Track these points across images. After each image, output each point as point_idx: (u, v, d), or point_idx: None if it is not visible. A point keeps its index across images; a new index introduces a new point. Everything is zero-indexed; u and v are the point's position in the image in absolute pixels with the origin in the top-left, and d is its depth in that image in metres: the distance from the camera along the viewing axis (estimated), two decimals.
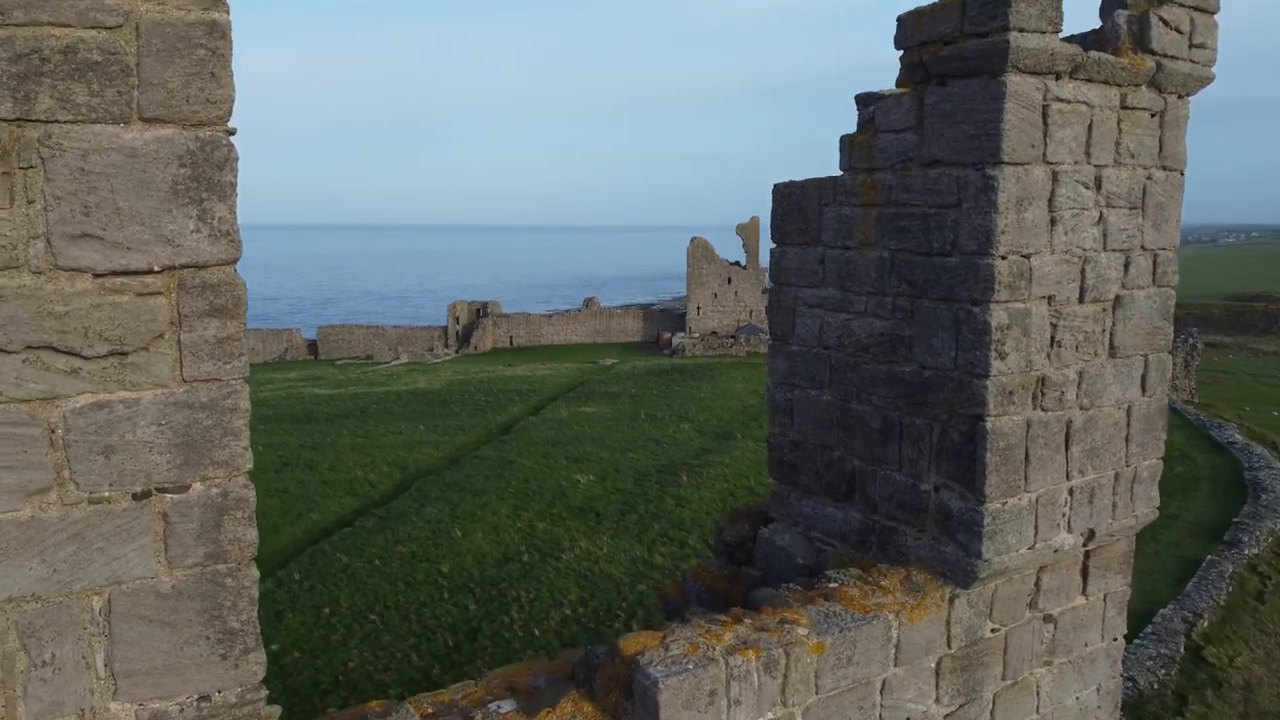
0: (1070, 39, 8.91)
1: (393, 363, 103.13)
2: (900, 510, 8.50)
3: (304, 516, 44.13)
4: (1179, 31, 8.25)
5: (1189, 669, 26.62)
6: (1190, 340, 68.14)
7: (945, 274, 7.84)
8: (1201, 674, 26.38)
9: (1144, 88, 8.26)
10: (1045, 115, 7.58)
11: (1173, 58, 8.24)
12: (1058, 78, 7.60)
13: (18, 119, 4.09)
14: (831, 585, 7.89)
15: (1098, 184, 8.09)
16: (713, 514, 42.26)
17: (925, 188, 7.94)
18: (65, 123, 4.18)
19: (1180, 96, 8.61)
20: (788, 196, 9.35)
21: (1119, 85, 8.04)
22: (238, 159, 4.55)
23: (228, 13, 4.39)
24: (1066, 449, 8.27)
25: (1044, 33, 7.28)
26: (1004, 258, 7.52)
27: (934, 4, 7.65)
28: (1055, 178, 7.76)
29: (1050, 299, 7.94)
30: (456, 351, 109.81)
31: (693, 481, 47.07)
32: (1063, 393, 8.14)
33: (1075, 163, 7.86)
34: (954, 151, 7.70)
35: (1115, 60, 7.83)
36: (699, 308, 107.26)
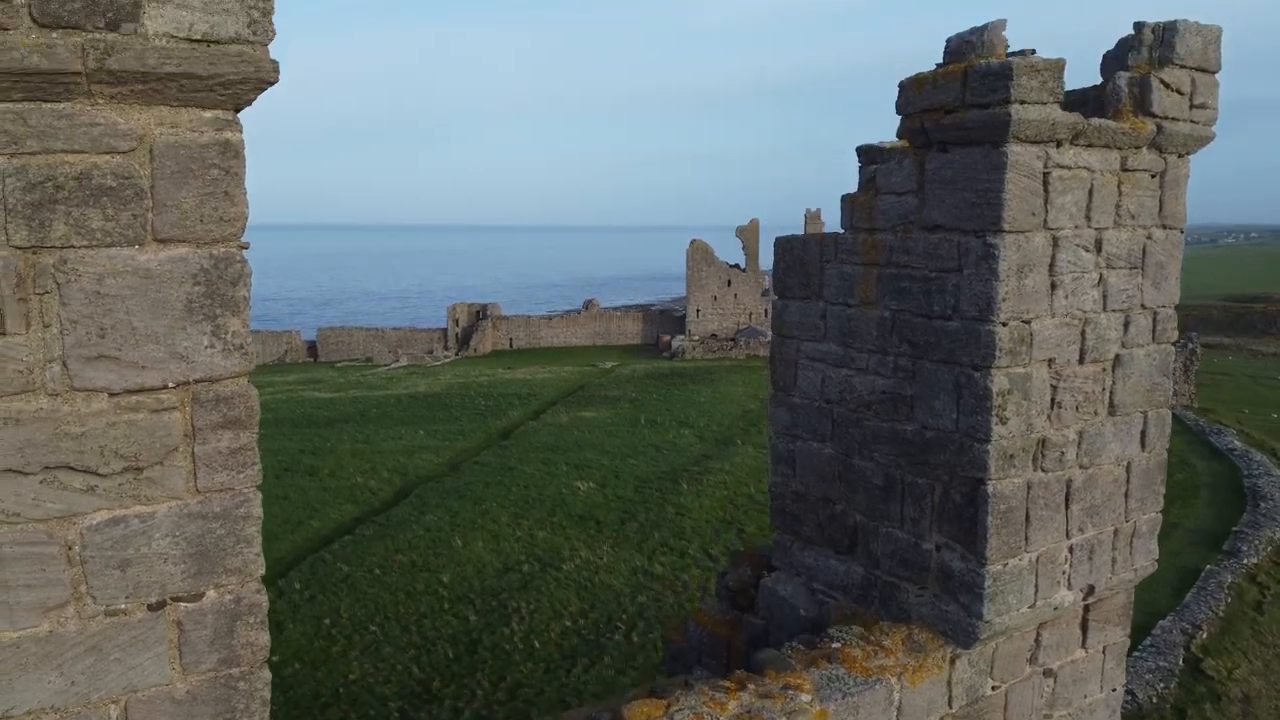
0: (1071, 94, 8.98)
1: (392, 365, 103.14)
2: (902, 567, 8.57)
3: (304, 524, 44.20)
4: (1180, 93, 8.31)
5: (1188, 682, 26.69)
6: (1189, 345, 68.20)
7: (946, 337, 7.91)
8: (1200, 687, 26.46)
9: (1144, 149, 8.32)
10: (1046, 182, 7.65)
11: (1173, 119, 8.30)
12: (1059, 145, 7.66)
13: (33, 246, 4.16)
14: (834, 646, 7.96)
15: (1098, 246, 8.16)
16: (713, 523, 42.34)
17: (926, 251, 8.00)
18: (80, 248, 4.25)
19: (1180, 156, 8.67)
20: (789, 251, 9.41)
21: (1119, 149, 8.10)
22: (251, 273, 4.61)
23: (241, 132, 4.45)
24: (1066, 508, 8.34)
25: (1045, 103, 7.34)
26: (1005, 324, 7.59)
27: (935, 72, 7.71)
28: (1056, 243, 7.83)
29: (1050, 361, 8.01)
30: (456, 354, 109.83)
31: (693, 489, 47.10)
32: (1063, 453, 8.21)
33: (1076, 227, 7.93)
34: (955, 217, 7.76)
35: (1116, 126, 7.89)
36: (699, 310, 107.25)
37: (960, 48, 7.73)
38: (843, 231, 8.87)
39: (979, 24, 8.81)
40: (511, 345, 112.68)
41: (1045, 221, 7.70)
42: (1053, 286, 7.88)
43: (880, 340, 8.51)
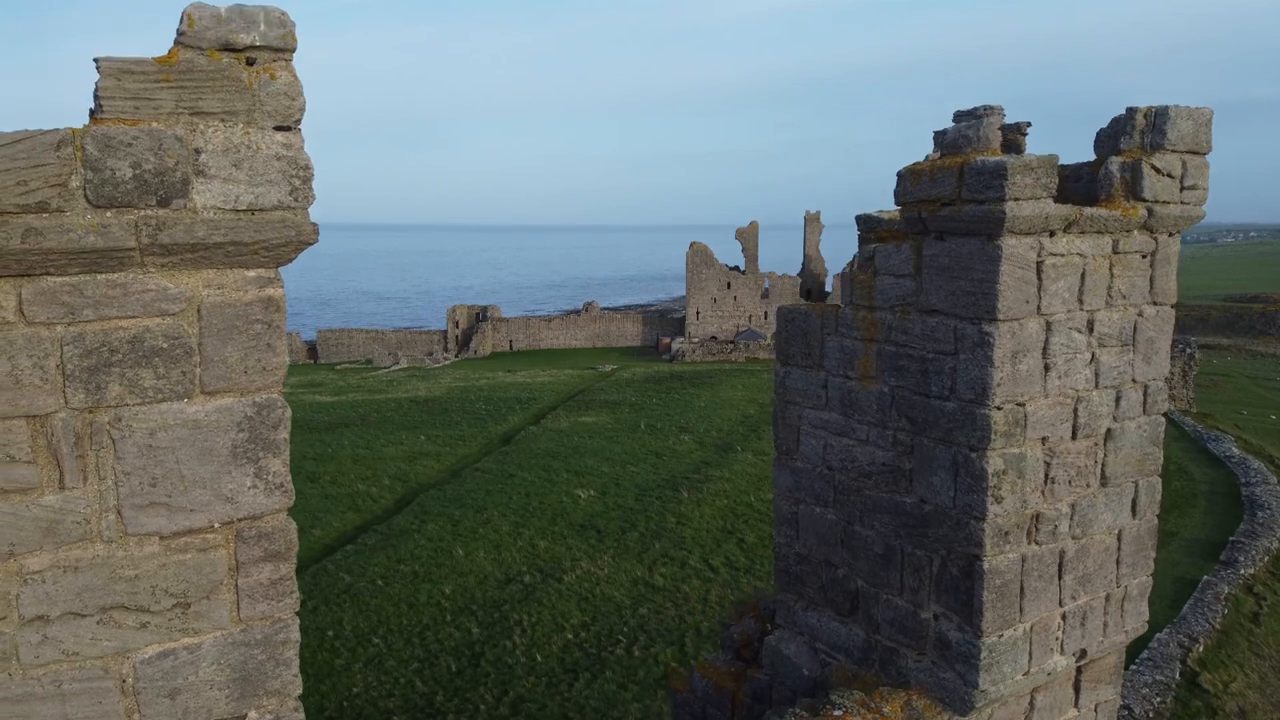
0: (1064, 169, 9.26)
1: (392, 368, 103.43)
2: (901, 634, 8.88)
3: (306, 533, 44.43)
4: (1171, 177, 8.59)
5: (1184, 696, 27.00)
6: (1187, 350, 68.46)
7: (944, 417, 8.20)
8: (1197, 701, 26.79)
9: (1136, 232, 8.61)
10: (1039, 271, 7.94)
11: (1164, 203, 8.59)
12: (1052, 235, 7.95)
13: (90, 407, 4.45)
14: (836, 713, 8.27)
15: (1090, 327, 8.46)
16: (713, 532, 42.57)
17: (924, 334, 8.30)
18: (134, 405, 4.54)
19: (1171, 235, 8.96)
20: (792, 321, 9.70)
21: (1111, 233, 8.39)
22: (290, 415, 4.91)
23: (282, 286, 4.74)
24: (1060, 578, 8.65)
25: (1039, 199, 7.62)
26: (1000, 408, 7.88)
27: (932, 165, 7.99)
28: (1049, 327, 8.12)
29: (1044, 439, 8.31)
30: (456, 356, 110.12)
31: (693, 497, 47.35)
32: (1056, 526, 8.51)
33: (1068, 312, 8.23)
34: (951, 304, 8.06)
35: (1108, 215, 8.18)
36: (698, 312, 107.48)
37: (957, 140, 8.01)
38: (843, 306, 9.16)
39: (977, 115, 9.11)
40: (511, 347, 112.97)
41: (1039, 308, 8.00)
42: (1046, 368, 8.18)
43: (880, 414, 8.81)
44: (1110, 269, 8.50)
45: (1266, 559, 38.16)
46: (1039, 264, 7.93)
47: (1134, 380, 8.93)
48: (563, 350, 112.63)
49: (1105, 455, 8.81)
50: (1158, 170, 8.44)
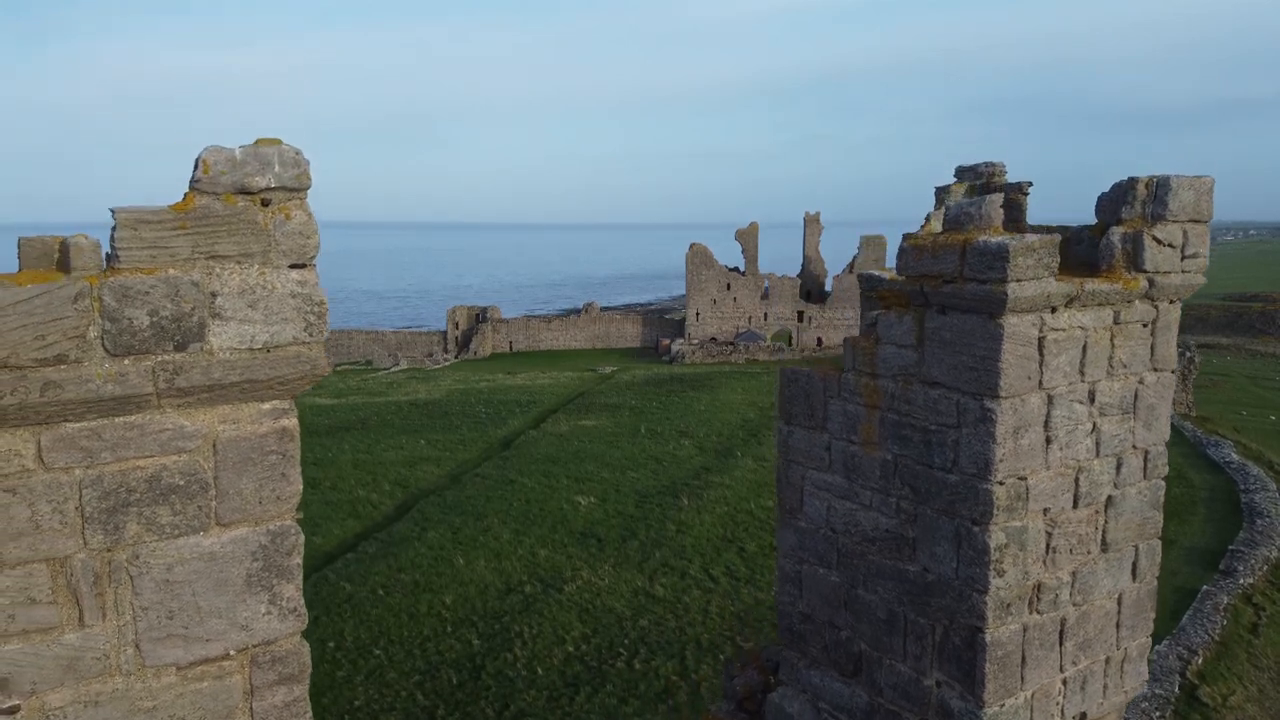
0: (1065, 231, 9.32)
1: (392, 369, 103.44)
2: (904, 699, 8.96)
3: (308, 540, 43.77)
4: (1172, 246, 8.65)
5: (1184, 710, 27.10)
6: (1187, 354, 68.57)
7: (946, 489, 8.27)
8: (1196, 715, 26.90)
9: (1137, 302, 8.67)
10: (1041, 346, 8.01)
11: (1165, 273, 8.65)
12: (1053, 311, 8.02)
13: (108, 547, 4.52)
14: None
15: (1091, 398, 8.53)
16: (713, 540, 42.61)
17: (927, 405, 8.37)
18: (151, 542, 4.61)
19: (1172, 302, 9.02)
20: (794, 382, 9.77)
21: (1113, 305, 8.45)
22: (303, 540, 4.98)
23: (295, 415, 4.80)
24: (1060, 644, 8.73)
25: (1040, 278, 7.69)
26: (1002, 483, 7.96)
27: (935, 242, 8.05)
28: (1051, 401, 8.19)
29: (1046, 510, 8.38)
30: (456, 357, 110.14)
31: (693, 504, 47.39)
32: (1057, 595, 8.59)
33: (1070, 385, 8.30)
34: (954, 377, 8.13)
35: (1109, 289, 8.24)
36: (698, 313, 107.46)
37: (959, 217, 8.06)
38: (845, 371, 9.23)
39: (979, 172, 9.16)
40: (511, 348, 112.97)
41: (1040, 382, 8.06)
42: (1048, 441, 8.25)
43: (883, 481, 8.89)
44: (1112, 339, 8.57)
45: (1265, 568, 38.26)
46: (1041, 339, 8.00)
47: (1135, 447, 9.01)
48: (562, 351, 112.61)
49: (1106, 522, 8.89)
50: (1159, 241, 8.50)
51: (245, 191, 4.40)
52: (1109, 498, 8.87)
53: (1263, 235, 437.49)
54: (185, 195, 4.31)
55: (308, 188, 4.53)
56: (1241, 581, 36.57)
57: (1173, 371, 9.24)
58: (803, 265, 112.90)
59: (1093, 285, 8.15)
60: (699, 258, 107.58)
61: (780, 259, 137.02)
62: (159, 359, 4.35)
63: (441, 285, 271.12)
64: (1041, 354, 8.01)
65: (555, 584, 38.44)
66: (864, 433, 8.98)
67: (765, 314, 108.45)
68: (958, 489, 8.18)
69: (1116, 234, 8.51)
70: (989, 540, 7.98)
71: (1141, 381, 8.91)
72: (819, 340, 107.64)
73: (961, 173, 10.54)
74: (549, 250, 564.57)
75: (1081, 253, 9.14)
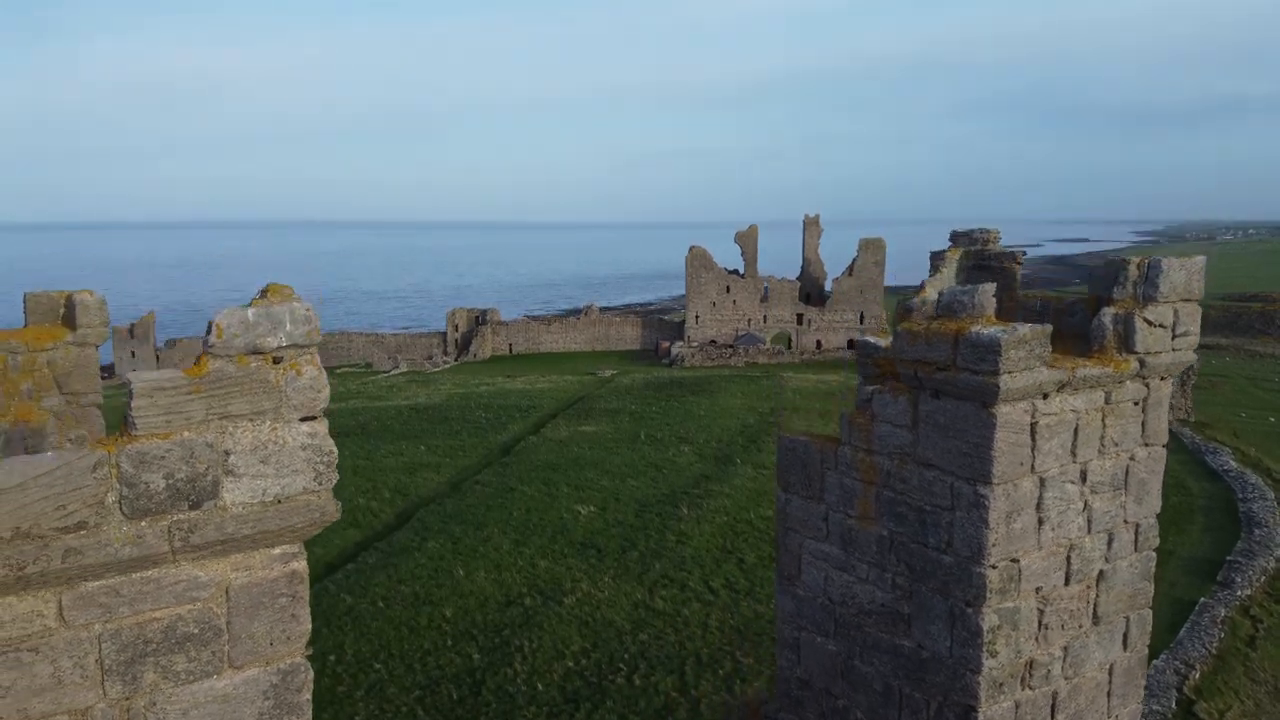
0: (1059, 305, 9.46)
1: (392, 372, 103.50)
2: None
3: (309, 550, 44.44)
4: (1163, 327, 8.79)
5: None
6: None
7: (941, 570, 8.42)
8: None
9: (1128, 382, 8.81)
10: (1033, 431, 8.16)
11: (1156, 353, 8.79)
12: (1045, 397, 8.16)
13: (126, 696, 4.66)
14: None
15: (1083, 477, 8.68)
16: (713, 552, 42.71)
17: (922, 486, 8.52)
18: (167, 689, 4.75)
19: (1163, 379, 9.16)
20: (792, 451, 9.92)
21: (1104, 387, 8.59)
22: (313, 676, 5.11)
23: (304, 557, 4.95)
24: (1052, 718, 8.88)
25: (1032, 368, 7.83)
26: (995, 566, 8.11)
27: (929, 329, 8.19)
28: (1043, 483, 8.34)
29: (1038, 589, 8.54)
30: (455, 359, 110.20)
31: (693, 514, 47.45)
32: (1049, 670, 8.75)
33: (1062, 467, 8.44)
34: (947, 460, 8.27)
35: (1100, 372, 8.39)
36: (697, 316, 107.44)
37: (952, 305, 8.20)
38: (842, 445, 9.37)
39: (974, 238, 9.29)
40: (511, 350, 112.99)
41: (1033, 466, 8.21)
42: (1040, 522, 8.40)
43: (880, 556, 9.04)
44: (1103, 419, 8.71)
45: (1263, 579, 38.41)
46: (1033, 425, 8.14)
47: (1126, 521, 9.16)
48: (562, 354, 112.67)
49: (1097, 596, 9.04)
50: (1150, 323, 8.64)
51: (257, 352, 4.54)
52: (1100, 572, 9.02)
53: (1262, 235, 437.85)
54: (199, 359, 4.45)
55: (318, 342, 4.67)
56: (1239, 593, 36.72)
57: (1164, 446, 9.37)
58: (802, 268, 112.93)
59: (1084, 370, 8.29)
60: (698, 260, 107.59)
61: (780, 259, 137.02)
62: (174, 518, 4.50)
63: (441, 286, 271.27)
64: (1034, 439, 8.16)
65: (555, 596, 38.50)
66: (861, 507, 9.13)
67: (765, 316, 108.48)
68: (952, 570, 8.33)
69: (1108, 315, 8.65)
70: (982, 622, 8.13)
71: (1133, 458, 9.05)
72: (818, 343, 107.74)
73: (956, 237, 10.66)
74: (549, 250, 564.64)
75: (1075, 324, 9.29)
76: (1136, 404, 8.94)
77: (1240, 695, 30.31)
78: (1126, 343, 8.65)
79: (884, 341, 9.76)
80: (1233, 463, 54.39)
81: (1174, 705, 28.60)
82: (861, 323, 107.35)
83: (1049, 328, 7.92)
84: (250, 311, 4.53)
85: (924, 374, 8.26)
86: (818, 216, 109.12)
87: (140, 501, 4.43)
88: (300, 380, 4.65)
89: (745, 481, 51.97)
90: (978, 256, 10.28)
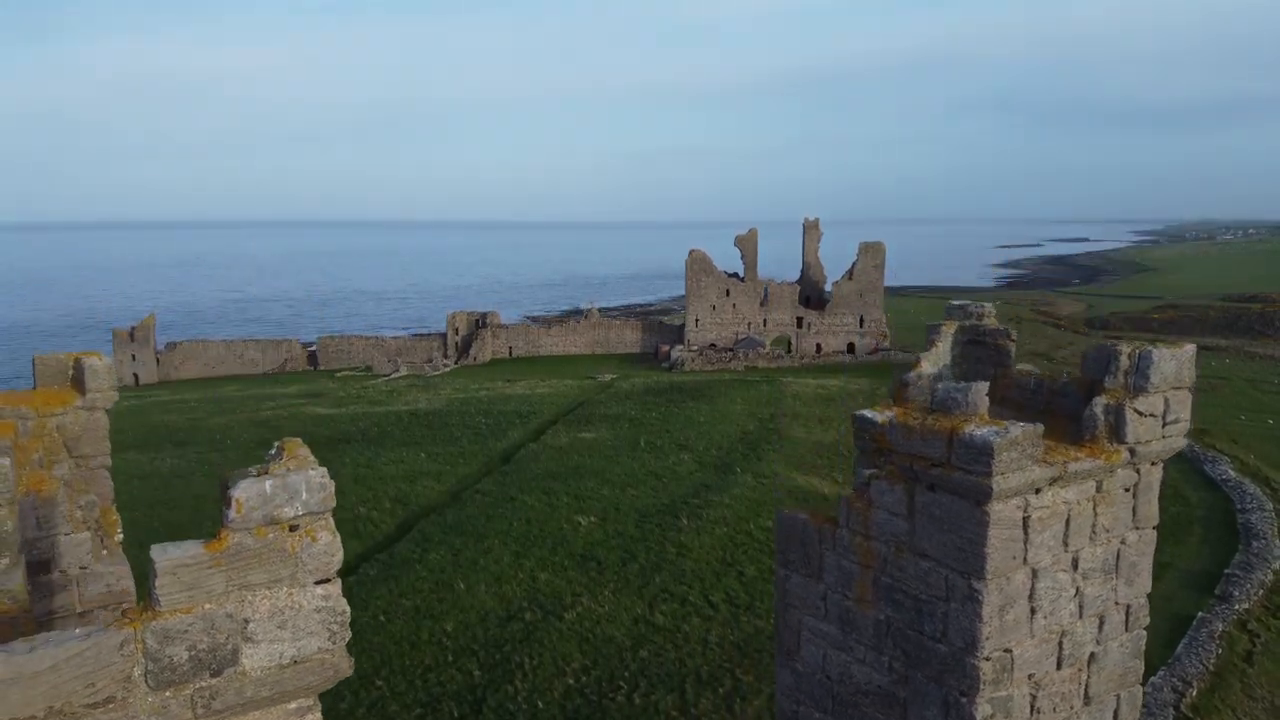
0: (1053, 386, 9.63)
1: (392, 375, 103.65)
2: None
3: None
4: (1153, 416, 8.97)
5: None
6: None
7: (936, 658, 8.62)
8: None
9: (1119, 470, 9.00)
10: (1026, 526, 8.35)
11: (1146, 442, 8.97)
12: (1038, 492, 8.35)
13: None
14: None
15: (1075, 564, 8.87)
16: (713, 564, 42.95)
17: (918, 576, 8.71)
18: None
19: (1154, 464, 9.35)
20: (791, 528, 10.11)
21: (1095, 478, 8.78)
22: None
23: (319, 708, 5.14)
24: None
25: (1024, 469, 8.02)
26: (988, 658, 8.30)
27: (924, 425, 8.38)
28: (1035, 574, 8.53)
29: (1031, 675, 8.73)
30: (456, 362, 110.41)
31: (693, 525, 47.68)
32: None
33: (1054, 558, 8.64)
34: (942, 553, 8.46)
35: (1091, 465, 8.57)
36: (697, 320, 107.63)
37: (946, 402, 8.39)
38: (840, 527, 9.56)
39: (969, 312, 9.47)
40: (511, 354, 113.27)
41: (1025, 559, 8.40)
42: (1032, 611, 8.59)
43: (877, 639, 9.23)
44: (1094, 508, 8.90)
45: (1261, 592, 38.64)
46: (1026, 519, 8.33)
47: (1117, 603, 9.35)
48: (562, 357, 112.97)
49: (1089, 677, 9.24)
50: (1140, 414, 8.82)
51: (275, 522, 4.73)
52: (1092, 654, 9.22)
53: (1262, 235, 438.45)
54: (219, 533, 4.64)
55: (332, 508, 4.85)
56: (1237, 607, 36.93)
57: (1154, 528, 9.57)
58: (802, 271, 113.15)
59: (1076, 465, 8.48)
60: (698, 264, 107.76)
61: (780, 260, 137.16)
62: (197, 686, 4.69)
63: (441, 287, 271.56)
64: (1026, 532, 8.35)
65: (556, 611, 38.63)
66: (859, 590, 9.32)
67: (764, 320, 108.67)
68: (947, 660, 8.53)
69: (1100, 405, 8.83)
70: (976, 712, 8.32)
71: (1124, 542, 9.24)
72: (818, 347, 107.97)
73: (952, 311, 10.84)
74: (549, 250, 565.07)
75: (1067, 405, 9.47)
76: (1127, 490, 9.13)
77: (1238, 713, 30.60)
78: (1117, 433, 8.83)
79: (881, 416, 9.92)
80: (1231, 472, 54.66)
81: None
82: (861, 326, 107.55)
83: (1040, 428, 8.11)
84: (268, 484, 4.71)
85: (920, 468, 8.45)
86: (817, 220, 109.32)
87: (165, 674, 4.62)
88: (315, 546, 4.84)
89: (745, 491, 52.19)
90: (972, 331, 10.45)
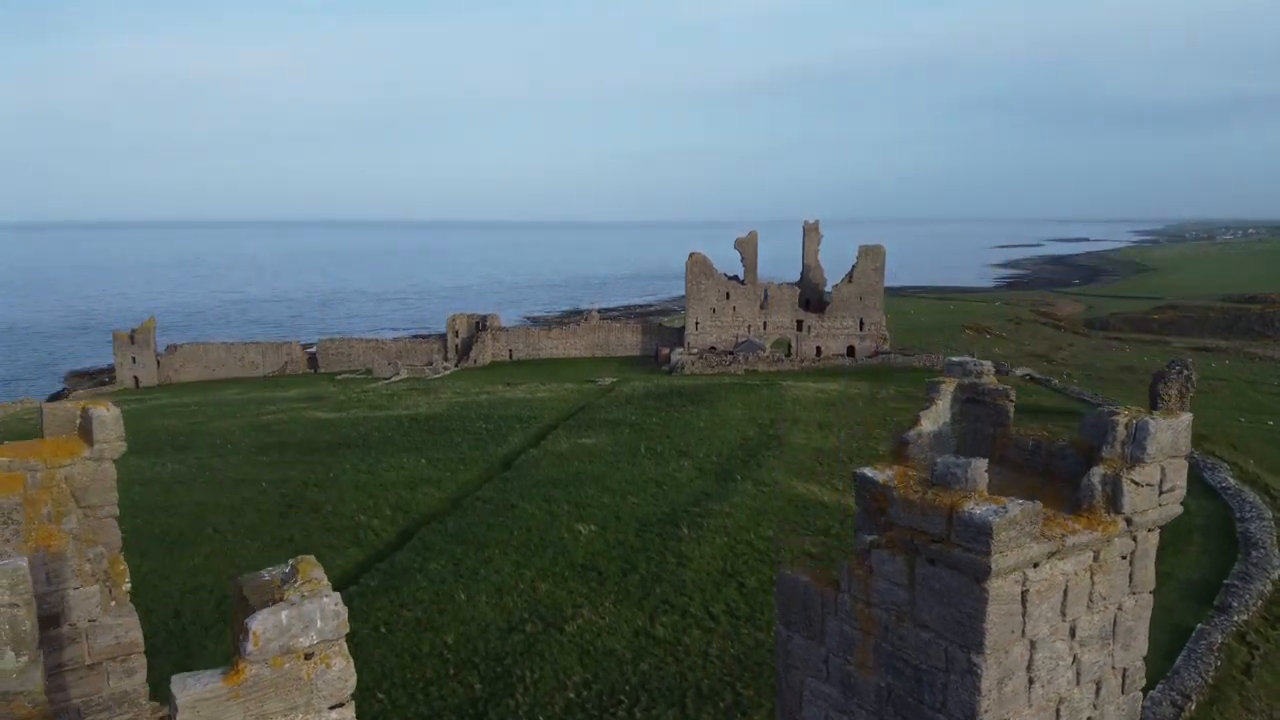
0: (1051, 448, 9.75)
1: (393, 379, 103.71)
2: None
3: None
4: (1150, 485, 9.08)
5: None
6: (1184, 372, 68.77)
7: None
8: None
9: (1115, 540, 9.12)
10: (1024, 599, 8.47)
11: (1143, 511, 9.09)
12: (1036, 566, 8.47)
13: None
14: None
15: (1072, 633, 9.00)
16: (713, 574, 43.03)
17: (918, 646, 8.83)
18: None
19: (1150, 531, 9.47)
20: (793, 590, 10.23)
21: (1093, 549, 8.90)
22: None
23: None
24: None
25: (1023, 546, 8.14)
26: None
27: (924, 500, 8.50)
28: (1034, 646, 8.66)
29: None
30: (456, 365, 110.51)
31: (693, 534, 47.73)
32: None
33: (1052, 629, 8.76)
34: (942, 625, 8.59)
35: (1089, 538, 8.69)
36: (697, 323, 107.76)
37: (946, 476, 8.51)
38: (842, 593, 9.68)
39: (967, 369, 9.58)
40: (511, 356, 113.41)
41: (1024, 632, 8.53)
42: (1030, 681, 8.72)
43: (877, 705, 9.36)
44: (1092, 577, 9.02)
45: (1260, 603, 38.73)
46: (1024, 593, 8.45)
47: (1114, 668, 9.47)
48: (562, 359, 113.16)
49: None
50: (1137, 484, 8.94)
51: (290, 652, 4.85)
52: (1089, 719, 9.34)
53: (1262, 235, 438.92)
54: (237, 665, 4.76)
55: (346, 633, 4.97)
56: (1236, 619, 37.01)
57: (1150, 593, 9.69)
58: (802, 274, 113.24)
59: (1074, 539, 8.60)
60: (698, 267, 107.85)
61: (779, 260, 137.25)
62: None
63: (441, 287, 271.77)
64: (1025, 606, 8.47)
65: (556, 623, 38.66)
66: (860, 655, 9.44)
67: (764, 323, 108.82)
68: None
69: (1097, 475, 8.95)
70: None
71: (1120, 608, 9.37)
72: (818, 349, 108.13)
73: (951, 367, 10.95)
74: (548, 250, 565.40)
75: (1065, 469, 9.59)
76: (1124, 557, 9.26)
77: None
78: (1115, 503, 8.95)
79: (881, 476, 10.04)
80: (1231, 479, 54.74)
81: None
82: (861, 329, 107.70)
83: (1039, 506, 8.23)
84: (284, 614, 4.83)
85: (920, 542, 8.57)
86: (817, 223, 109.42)
87: None
88: (330, 673, 4.96)
89: (745, 499, 52.24)
90: (971, 390, 10.56)
